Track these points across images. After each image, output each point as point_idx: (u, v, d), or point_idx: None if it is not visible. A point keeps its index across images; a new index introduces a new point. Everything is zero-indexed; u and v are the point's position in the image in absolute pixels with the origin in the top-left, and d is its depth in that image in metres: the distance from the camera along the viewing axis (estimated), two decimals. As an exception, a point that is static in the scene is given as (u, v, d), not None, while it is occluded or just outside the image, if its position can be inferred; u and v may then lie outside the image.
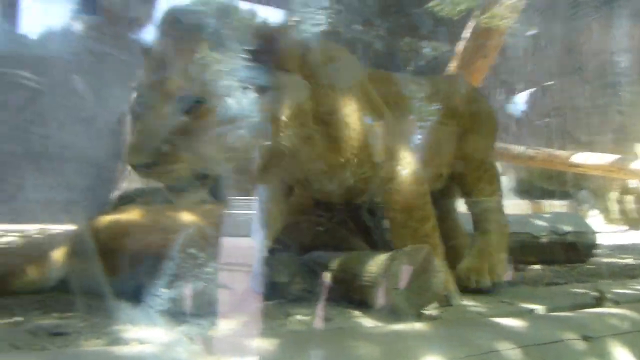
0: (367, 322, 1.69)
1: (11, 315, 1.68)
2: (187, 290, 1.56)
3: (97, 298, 1.63)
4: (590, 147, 6.49)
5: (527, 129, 7.42)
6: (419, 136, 2.32)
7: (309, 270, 2.03)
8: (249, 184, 1.97)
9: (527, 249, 3.35)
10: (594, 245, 3.54)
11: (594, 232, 3.59)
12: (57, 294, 1.93)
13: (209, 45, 1.55)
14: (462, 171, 2.49)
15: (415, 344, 1.46)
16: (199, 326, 1.48)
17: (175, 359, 1.21)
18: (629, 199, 7.61)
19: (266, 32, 1.63)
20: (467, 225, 2.61)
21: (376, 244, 2.35)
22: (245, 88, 1.53)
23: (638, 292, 2.34)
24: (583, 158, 5.53)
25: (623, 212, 7.66)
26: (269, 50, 1.61)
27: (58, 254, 1.98)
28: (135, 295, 1.61)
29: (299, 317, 1.71)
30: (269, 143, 1.66)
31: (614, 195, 7.65)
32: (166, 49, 1.54)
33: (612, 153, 5.84)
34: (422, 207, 2.06)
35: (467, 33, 4.57)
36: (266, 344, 1.34)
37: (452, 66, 4.62)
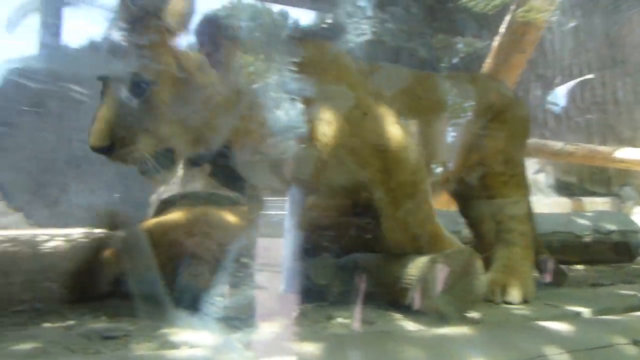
0: (409, 325, 1.68)
1: (63, 319, 1.74)
2: (240, 297, 1.59)
3: (146, 301, 1.67)
4: (632, 142, 6.28)
5: (566, 124, 7.22)
6: (450, 134, 2.28)
7: (349, 273, 2.03)
8: (283, 186, 2.00)
9: (569, 249, 3.28)
10: (640, 245, 3.43)
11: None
12: (106, 297, 1.99)
13: (246, 49, 1.61)
14: (486, 173, 2.35)
15: (460, 348, 1.45)
16: (249, 331, 1.50)
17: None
18: (676, 194, 7.32)
19: (309, 43, 1.67)
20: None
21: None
22: (292, 99, 1.58)
23: (690, 294, 2.26)
24: (626, 153, 5.35)
25: (669, 208, 7.38)
26: (312, 62, 1.64)
27: (107, 258, 2.03)
28: (183, 298, 1.65)
29: (340, 319, 1.72)
30: (311, 150, 1.70)
31: (659, 191, 7.37)
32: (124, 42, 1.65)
33: (656, 148, 5.64)
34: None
35: (503, 28, 4.48)
36: (312, 348, 1.35)
37: (488, 62, 4.54)
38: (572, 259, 3.30)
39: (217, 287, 1.62)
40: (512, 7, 4.27)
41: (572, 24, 6.62)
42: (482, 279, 1.82)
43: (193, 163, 1.91)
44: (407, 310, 1.79)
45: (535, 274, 2.42)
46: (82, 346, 1.39)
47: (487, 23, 4.95)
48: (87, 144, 1.61)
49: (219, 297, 1.58)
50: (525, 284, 2.15)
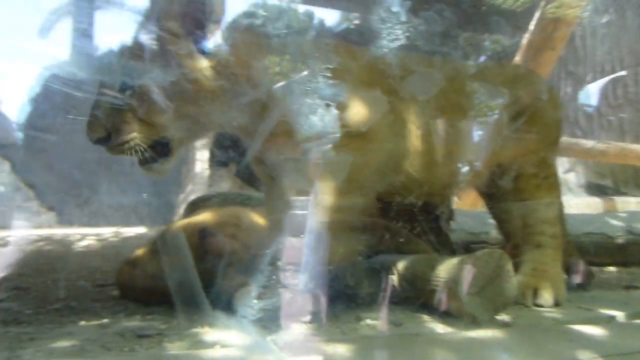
0: (439, 327, 1.67)
1: (98, 317, 1.78)
2: (274, 299, 1.61)
3: (180, 300, 1.69)
4: (667, 140, 6.13)
5: (598, 122, 7.06)
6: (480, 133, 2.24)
7: (377, 274, 2.03)
8: (307, 186, 2.01)
9: (601, 250, 3.22)
10: (675, 246, 3.33)
11: (675, 232, 3.38)
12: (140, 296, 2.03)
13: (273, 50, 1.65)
14: (517, 174, 2.29)
15: (491, 351, 1.44)
16: (282, 332, 1.51)
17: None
18: None
19: (343, 49, 1.69)
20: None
21: (441, 247, 2.32)
22: (326, 104, 1.61)
23: None
24: (660, 152, 5.22)
25: None
26: (346, 66, 1.66)
27: (141, 257, 2.07)
28: (219, 300, 1.68)
29: (369, 321, 1.72)
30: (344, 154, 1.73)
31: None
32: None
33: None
34: None
35: (532, 25, 4.41)
36: (342, 349, 1.36)
37: (517, 60, 4.47)
38: (605, 261, 3.23)
39: (251, 289, 1.65)
40: (542, 3, 4.19)
41: (604, 20, 6.46)
42: (513, 281, 1.79)
43: (220, 163, 1.97)
44: (436, 313, 1.77)
45: (565, 275, 2.38)
46: (117, 344, 1.42)
47: (515, 20, 4.87)
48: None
49: (254, 299, 1.60)
50: (556, 286, 2.11)
